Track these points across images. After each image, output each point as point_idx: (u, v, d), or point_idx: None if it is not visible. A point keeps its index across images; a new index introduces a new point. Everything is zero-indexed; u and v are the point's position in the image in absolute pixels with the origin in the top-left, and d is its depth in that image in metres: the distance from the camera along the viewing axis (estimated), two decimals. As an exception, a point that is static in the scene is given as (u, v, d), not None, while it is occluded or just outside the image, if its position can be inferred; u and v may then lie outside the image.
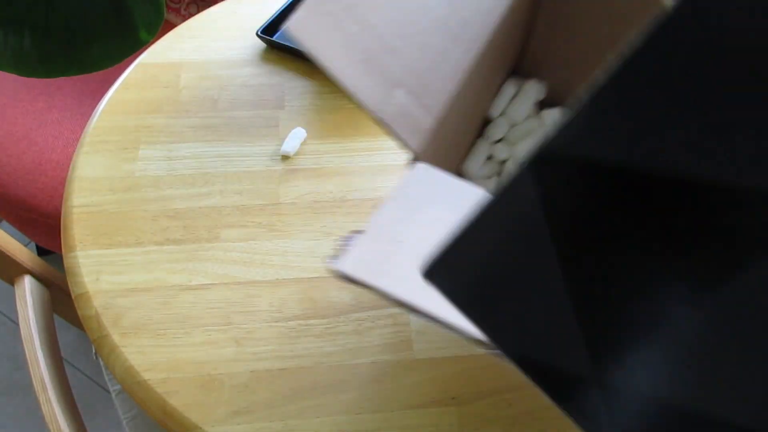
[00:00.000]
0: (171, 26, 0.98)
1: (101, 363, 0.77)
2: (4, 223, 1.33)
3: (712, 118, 0.16)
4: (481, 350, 0.46)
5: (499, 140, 0.58)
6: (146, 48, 0.79)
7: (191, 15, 1.11)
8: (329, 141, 0.67)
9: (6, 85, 1.02)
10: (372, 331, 0.52)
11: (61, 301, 0.71)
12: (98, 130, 0.67)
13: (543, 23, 0.57)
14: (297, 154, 0.66)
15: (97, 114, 0.69)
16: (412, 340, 0.52)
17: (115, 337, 0.51)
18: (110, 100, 0.70)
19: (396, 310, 0.53)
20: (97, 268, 0.55)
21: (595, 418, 0.17)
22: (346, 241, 0.31)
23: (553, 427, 0.48)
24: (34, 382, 0.59)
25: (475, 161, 0.56)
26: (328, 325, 0.52)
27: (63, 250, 0.57)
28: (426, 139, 0.39)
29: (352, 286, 0.55)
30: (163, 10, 0.32)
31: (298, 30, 0.30)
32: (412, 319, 0.53)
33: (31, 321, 0.62)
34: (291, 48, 0.76)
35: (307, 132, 0.68)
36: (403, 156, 0.65)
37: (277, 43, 0.76)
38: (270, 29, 0.78)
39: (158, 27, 0.32)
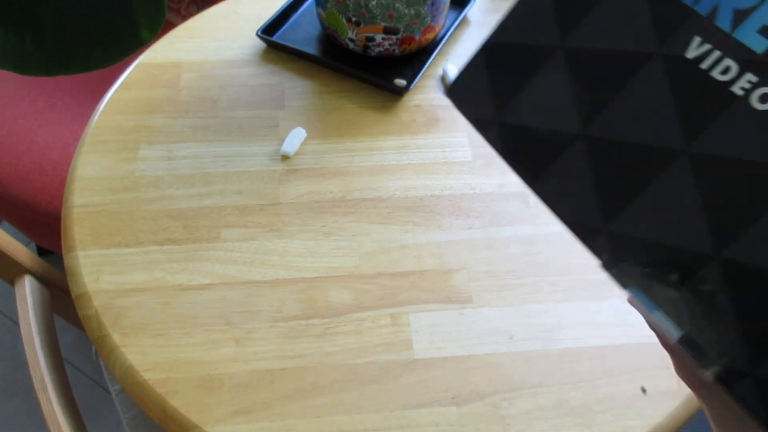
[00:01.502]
0: (171, 26, 0.99)
1: (101, 363, 0.77)
2: (4, 223, 1.33)
3: None
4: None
5: None
6: (146, 48, 0.79)
7: (191, 15, 1.11)
8: (329, 141, 0.67)
9: (6, 85, 1.02)
10: (372, 331, 0.52)
11: (61, 301, 0.71)
12: (98, 130, 0.67)
13: None
14: (297, 154, 0.66)
15: (97, 114, 0.69)
16: (412, 340, 0.52)
17: (115, 337, 0.51)
18: (110, 100, 0.70)
19: (396, 309, 0.53)
20: (97, 268, 0.55)
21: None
22: None
23: (552, 427, 0.48)
24: (34, 382, 0.59)
25: None
26: (328, 325, 0.52)
27: (63, 250, 0.57)
28: None
29: (351, 286, 0.55)
30: (164, 8, 0.32)
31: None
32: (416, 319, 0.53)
33: (31, 321, 0.62)
34: (291, 48, 0.76)
35: (307, 132, 0.68)
36: (400, 157, 0.65)
37: (277, 43, 0.76)
38: (270, 29, 0.78)
39: (160, 25, 0.32)
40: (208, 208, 0.60)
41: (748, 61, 0.20)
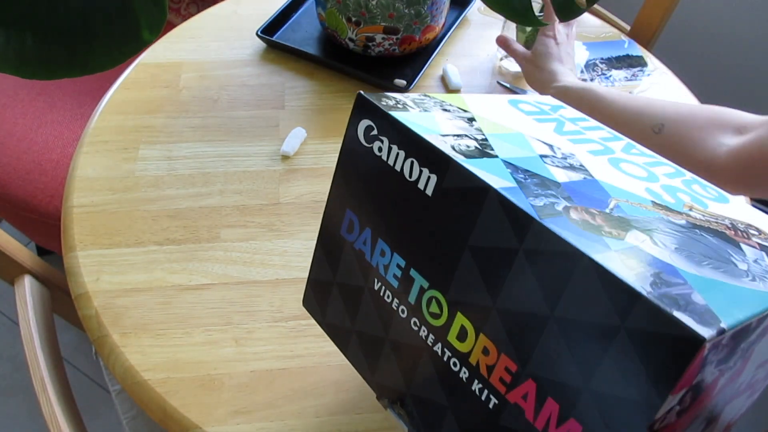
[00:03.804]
0: (171, 26, 0.98)
1: (101, 363, 0.77)
2: (4, 223, 1.33)
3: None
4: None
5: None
6: (146, 48, 0.79)
7: (191, 15, 1.11)
8: (329, 141, 0.67)
9: (6, 85, 1.02)
10: (372, 331, 0.52)
11: (61, 301, 0.71)
12: (98, 130, 0.67)
13: None
14: (297, 154, 0.66)
15: (97, 114, 0.69)
16: (412, 340, 0.52)
17: (115, 337, 0.51)
18: (110, 100, 0.70)
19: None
20: (97, 268, 0.55)
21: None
22: None
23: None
24: (34, 382, 0.59)
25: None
26: (328, 325, 0.52)
27: (63, 250, 0.57)
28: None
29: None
30: (166, 10, 0.33)
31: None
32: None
33: (31, 321, 0.62)
34: (291, 48, 0.76)
35: (307, 132, 0.68)
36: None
37: (277, 43, 0.76)
38: (270, 29, 0.78)
39: (161, 27, 0.32)
40: (208, 208, 0.60)
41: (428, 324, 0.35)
